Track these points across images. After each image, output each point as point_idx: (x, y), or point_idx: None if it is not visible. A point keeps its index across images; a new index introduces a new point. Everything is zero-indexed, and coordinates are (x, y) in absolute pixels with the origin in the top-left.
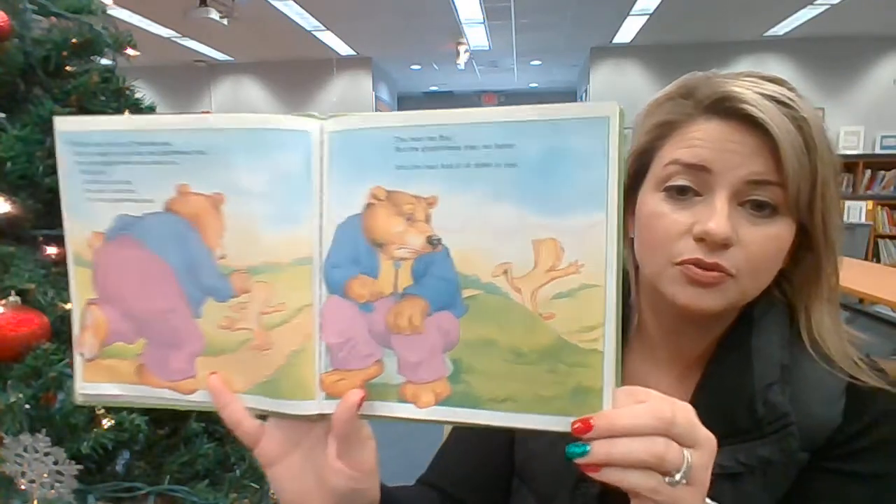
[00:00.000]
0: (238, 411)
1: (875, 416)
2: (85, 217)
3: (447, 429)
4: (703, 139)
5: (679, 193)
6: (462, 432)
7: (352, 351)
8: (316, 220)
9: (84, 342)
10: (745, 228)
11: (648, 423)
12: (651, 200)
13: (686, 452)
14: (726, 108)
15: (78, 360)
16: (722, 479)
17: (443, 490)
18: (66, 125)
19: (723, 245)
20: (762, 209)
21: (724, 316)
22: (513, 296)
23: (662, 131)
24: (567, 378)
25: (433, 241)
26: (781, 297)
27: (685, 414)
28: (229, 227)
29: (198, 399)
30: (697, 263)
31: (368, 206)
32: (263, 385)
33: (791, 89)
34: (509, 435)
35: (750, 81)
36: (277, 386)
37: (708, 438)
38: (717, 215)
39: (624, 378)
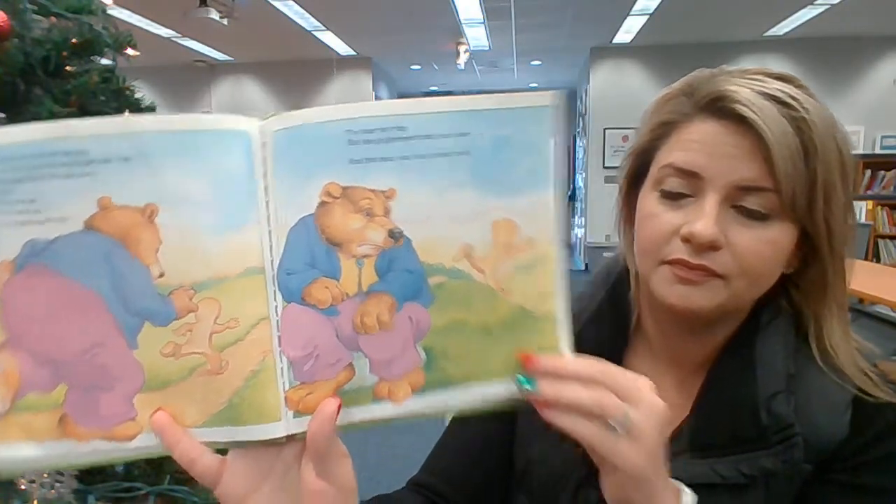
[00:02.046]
0: (192, 448)
1: (883, 429)
2: None
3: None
4: (697, 141)
5: (672, 195)
6: (456, 431)
7: (318, 360)
8: (263, 225)
9: None
10: (735, 231)
11: (593, 373)
12: (647, 200)
13: (626, 406)
14: (721, 108)
15: None
16: (723, 491)
17: (435, 490)
18: None
19: (709, 247)
20: (752, 214)
21: (726, 321)
22: (476, 276)
23: (662, 131)
24: (529, 343)
25: (395, 235)
26: (788, 305)
27: (631, 376)
28: (166, 241)
29: (140, 444)
30: (684, 264)
31: (322, 204)
32: (220, 414)
33: (800, 87)
34: (507, 437)
35: (752, 79)
36: (237, 412)
37: (653, 403)
38: (704, 217)
39: None
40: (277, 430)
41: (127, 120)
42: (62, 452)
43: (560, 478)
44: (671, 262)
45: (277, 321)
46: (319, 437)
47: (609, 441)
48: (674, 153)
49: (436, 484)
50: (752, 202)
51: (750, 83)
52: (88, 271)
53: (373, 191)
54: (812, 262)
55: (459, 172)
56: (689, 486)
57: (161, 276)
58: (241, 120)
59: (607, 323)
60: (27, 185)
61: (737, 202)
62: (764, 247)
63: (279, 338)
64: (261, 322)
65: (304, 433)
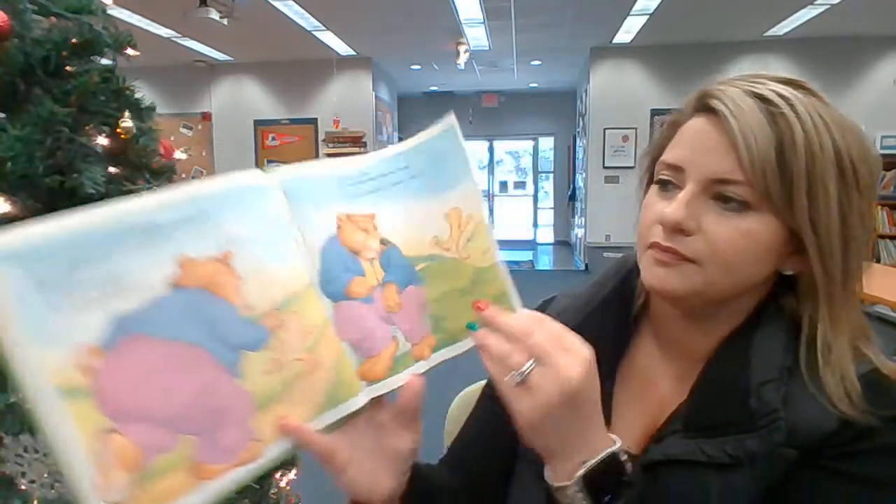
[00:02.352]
0: (323, 442)
1: (881, 421)
2: (58, 341)
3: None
4: (686, 138)
5: (664, 187)
6: (480, 406)
7: (373, 338)
8: (303, 249)
9: (109, 485)
10: (710, 219)
11: (515, 329)
12: (649, 194)
13: (530, 363)
14: (706, 105)
15: None
16: (709, 469)
17: (461, 459)
18: (7, 239)
19: (678, 230)
20: (729, 203)
21: (724, 314)
22: (446, 255)
23: (670, 132)
24: (486, 293)
25: (385, 242)
26: (791, 305)
27: (550, 338)
28: (245, 278)
29: (270, 456)
30: (657, 246)
31: (339, 227)
32: (323, 402)
33: (801, 88)
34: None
35: (751, 81)
36: (334, 396)
37: (562, 367)
38: (675, 203)
39: (632, 366)
40: (361, 400)
41: (184, 188)
42: (205, 497)
43: None
44: (651, 246)
45: (331, 318)
46: (414, 396)
47: (507, 389)
48: (670, 151)
49: (460, 452)
50: (730, 192)
51: (745, 84)
52: (184, 325)
53: (362, 215)
54: (804, 262)
55: (413, 190)
56: (677, 462)
57: (248, 308)
58: (256, 174)
59: (613, 310)
60: (102, 266)
61: (716, 193)
62: (737, 236)
63: (335, 331)
64: (327, 321)
65: (378, 396)
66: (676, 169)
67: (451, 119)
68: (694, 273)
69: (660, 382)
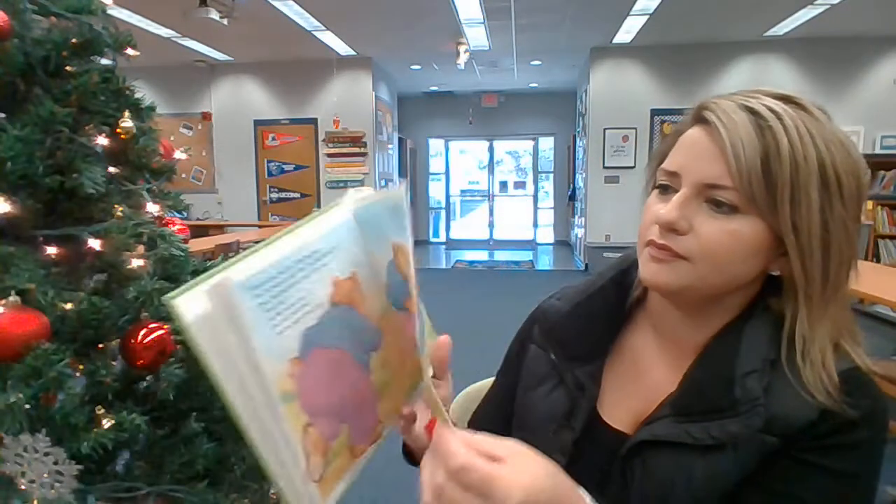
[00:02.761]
0: (413, 418)
1: (856, 417)
2: (278, 353)
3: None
4: (683, 146)
5: (664, 191)
6: (495, 383)
7: (420, 336)
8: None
9: (313, 468)
10: (701, 220)
11: (448, 466)
12: (650, 197)
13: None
14: (701, 116)
15: (312, 488)
16: (694, 451)
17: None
18: (237, 274)
19: (671, 229)
20: (720, 206)
21: (715, 309)
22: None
23: (672, 140)
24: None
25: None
26: (777, 303)
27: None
28: (364, 293)
29: (386, 434)
30: (653, 243)
31: (394, 253)
32: (408, 386)
33: (794, 104)
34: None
35: (747, 96)
36: (414, 381)
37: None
38: (669, 205)
39: (625, 351)
40: (427, 381)
41: (327, 223)
42: (355, 471)
43: (545, 419)
44: (648, 244)
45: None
46: (446, 355)
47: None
48: (669, 157)
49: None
50: (720, 197)
51: (739, 98)
52: (339, 336)
53: (405, 246)
54: (788, 264)
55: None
56: (664, 444)
57: (367, 316)
58: (345, 205)
59: (609, 295)
60: (293, 289)
61: (708, 197)
62: (725, 236)
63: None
64: (402, 326)
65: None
66: (673, 174)
67: (402, 187)
68: (685, 269)
69: (652, 369)
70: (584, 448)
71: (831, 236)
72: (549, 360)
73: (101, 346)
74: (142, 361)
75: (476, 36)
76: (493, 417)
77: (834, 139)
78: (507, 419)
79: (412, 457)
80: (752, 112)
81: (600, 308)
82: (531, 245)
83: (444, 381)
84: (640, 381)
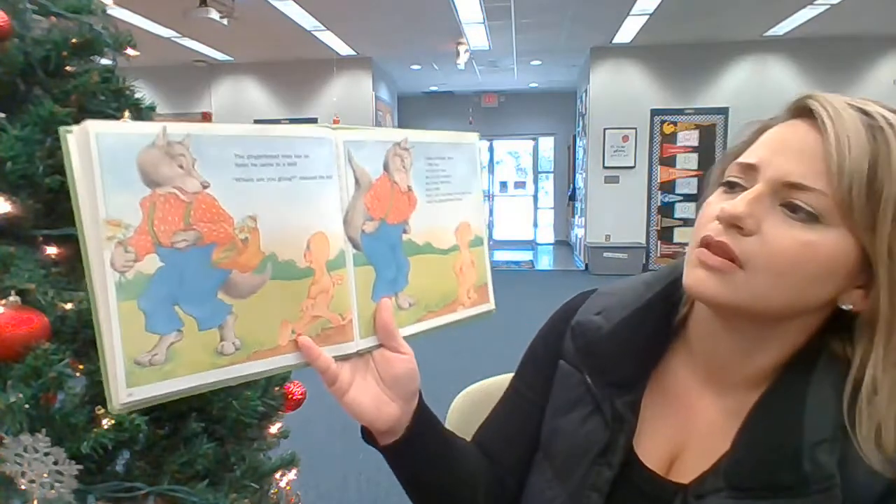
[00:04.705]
0: (328, 361)
1: None
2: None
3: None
4: (768, 139)
5: (730, 188)
6: (506, 399)
7: None
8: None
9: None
10: (772, 223)
11: None
12: (712, 195)
13: None
14: (801, 108)
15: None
16: None
17: (486, 449)
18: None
19: (736, 225)
20: (796, 211)
21: (768, 339)
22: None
23: (751, 137)
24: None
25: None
26: (839, 348)
27: None
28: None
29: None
30: (708, 242)
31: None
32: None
33: None
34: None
35: (854, 99)
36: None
37: None
38: (737, 199)
39: (668, 377)
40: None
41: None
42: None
43: (578, 452)
44: (701, 243)
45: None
46: (387, 321)
47: None
48: (747, 153)
49: (486, 444)
50: (799, 200)
51: (847, 98)
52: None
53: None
54: (866, 299)
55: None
56: None
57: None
58: (322, 128)
59: (655, 314)
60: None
61: (785, 199)
62: (798, 246)
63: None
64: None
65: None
66: (750, 168)
67: (474, 137)
68: (739, 282)
69: (694, 403)
70: (616, 483)
71: None
72: (584, 382)
73: None
74: None
75: (476, 36)
76: (514, 438)
77: None
78: (531, 442)
79: (370, 436)
80: (864, 112)
81: (646, 328)
82: (531, 245)
83: (395, 353)
84: (680, 416)
